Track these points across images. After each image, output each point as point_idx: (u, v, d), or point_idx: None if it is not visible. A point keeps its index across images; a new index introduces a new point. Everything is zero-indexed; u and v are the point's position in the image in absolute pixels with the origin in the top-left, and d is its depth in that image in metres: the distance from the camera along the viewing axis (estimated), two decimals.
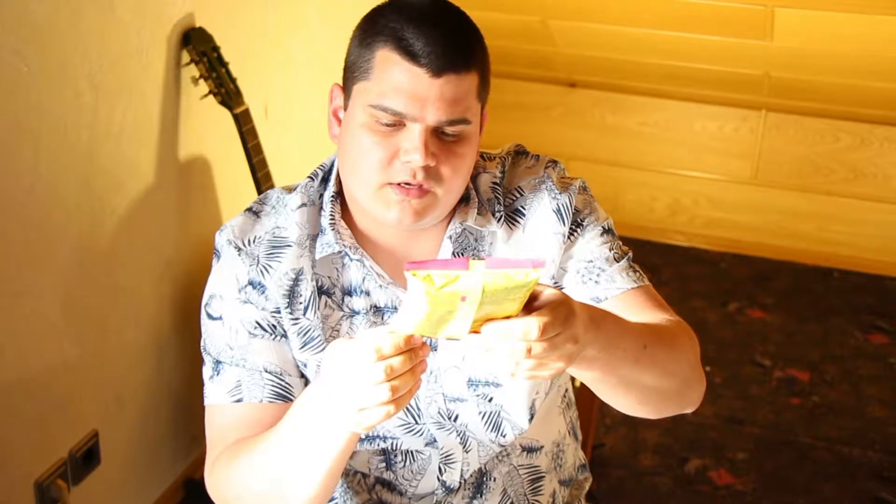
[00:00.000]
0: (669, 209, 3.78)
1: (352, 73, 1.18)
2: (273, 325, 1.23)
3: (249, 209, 1.28)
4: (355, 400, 0.98)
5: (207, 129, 2.24)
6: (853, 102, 3.37)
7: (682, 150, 3.70)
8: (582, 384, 1.28)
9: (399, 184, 1.15)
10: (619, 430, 2.73)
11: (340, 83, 1.22)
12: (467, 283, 0.89)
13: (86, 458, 1.99)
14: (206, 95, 2.15)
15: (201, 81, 2.13)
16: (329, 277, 1.25)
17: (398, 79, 1.12)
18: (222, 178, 2.33)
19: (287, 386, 1.23)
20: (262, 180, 2.21)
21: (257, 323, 1.23)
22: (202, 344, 1.27)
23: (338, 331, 1.25)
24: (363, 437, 1.28)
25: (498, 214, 1.26)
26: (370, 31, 1.15)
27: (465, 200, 1.25)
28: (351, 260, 1.24)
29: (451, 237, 1.24)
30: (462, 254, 1.26)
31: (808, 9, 2.79)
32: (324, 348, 1.23)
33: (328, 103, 1.25)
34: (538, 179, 1.28)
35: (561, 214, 1.26)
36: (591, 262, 1.25)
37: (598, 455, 2.62)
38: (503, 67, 3.59)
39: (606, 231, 1.28)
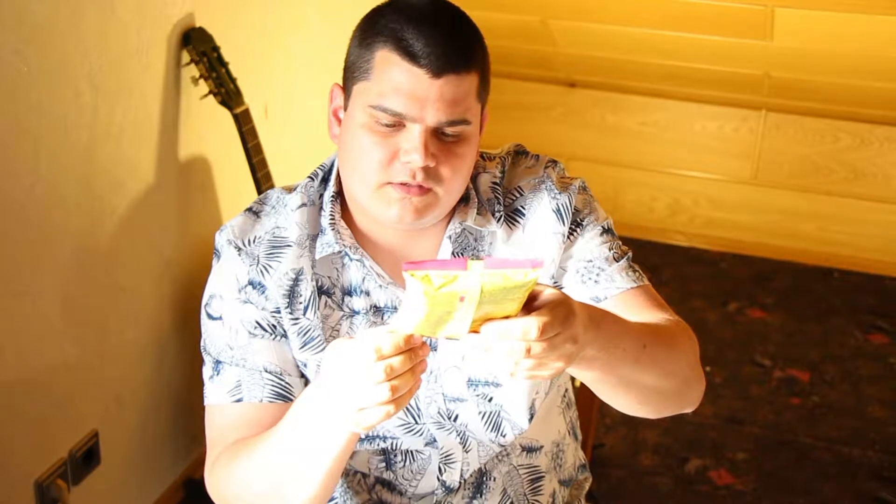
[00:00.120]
0: (669, 209, 3.78)
1: (352, 74, 1.18)
2: (273, 325, 1.23)
3: (249, 209, 1.28)
4: (355, 400, 0.98)
5: (207, 129, 2.24)
6: (853, 102, 3.37)
7: (682, 150, 3.70)
8: (582, 384, 1.28)
9: (399, 183, 1.15)
10: (619, 430, 2.73)
11: (340, 83, 1.22)
12: (466, 283, 0.89)
13: (86, 458, 1.99)
14: (206, 95, 2.15)
15: (201, 81, 2.13)
16: (329, 277, 1.25)
17: (398, 79, 1.12)
18: (222, 178, 2.33)
19: (287, 386, 1.23)
20: (262, 180, 2.21)
21: (257, 323, 1.23)
22: (202, 344, 1.27)
23: (338, 331, 1.25)
24: (363, 437, 1.28)
25: (498, 214, 1.26)
26: (370, 31, 1.15)
27: (464, 200, 1.25)
28: (351, 260, 1.24)
29: (450, 237, 1.25)
30: (462, 254, 1.26)
31: (808, 9, 2.79)
32: (324, 348, 1.23)
33: (328, 103, 1.25)
34: (538, 179, 1.28)
35: (561, 214, 1.26)
36: (591, 261, 1.25)
37: (598, 455, 2.62)
38: (503, 67, 3.59)
39: (606, 231, 1.28)
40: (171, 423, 2.30)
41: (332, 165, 1.28)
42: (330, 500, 1.35)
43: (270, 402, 1.22)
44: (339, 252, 1.24)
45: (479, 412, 1.29)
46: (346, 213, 1.26)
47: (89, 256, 1.93)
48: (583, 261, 1.26)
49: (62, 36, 1.76)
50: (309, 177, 1.28)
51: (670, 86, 3.57)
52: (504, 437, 1.30)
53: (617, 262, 1.25)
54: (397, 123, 1.14)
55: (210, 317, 1.25)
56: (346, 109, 1.21)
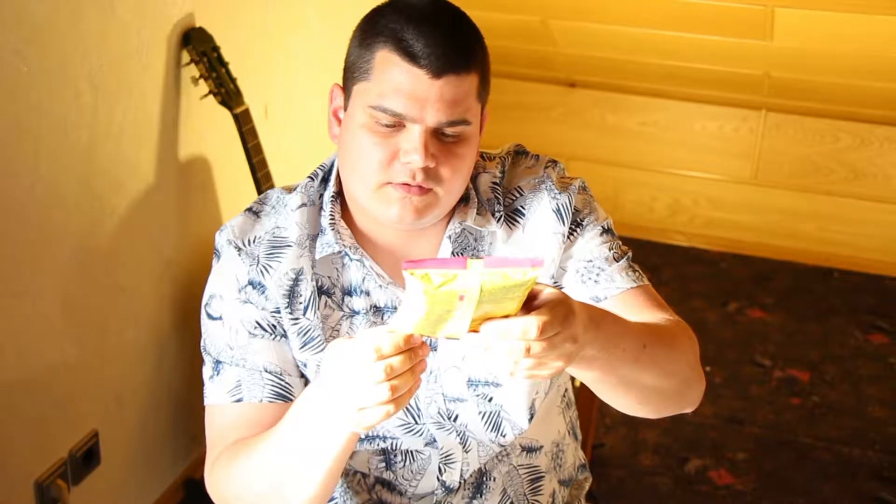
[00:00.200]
0: (669, 209, 3.78)
1: (352, 74, 1.18)
2: (273, 325, 1.24)
3: (249, 209, 1.28)
4: (355, 399, 0.98)
5: (207, 129, 2.24)
6: (853, 102, 3.37)
7: (682, 150, 3.70)
8: (582, 384, 1.28)
9: (399, 183, 1.15)
10: (619, 430, 2.73)
11: (340, 83, 1.22)
12: (465, 281, 0.89)
13: (86, 458, 1.99)
14: (206, 95, 2.15)
15: (201, 81, 2.13)
16: (329, 277, 1.25)
17: (398, 80, 1.12)
18: (222, 178, 2.33)
19: (287, 386, 1.23)
20: (262, 180, 2.21)
21: (257, 323, 1.23)
22: (202, 344, 1.27)
23: (338, 331, 1.25)
24: (363, 436, 1.28)
25: (497, 214, 1.26)
26: (370, 31, 1.15)
27: (464, 200, 1.25)
28: (351, 260, 1.24)
29: (450, 237, 1.25)
30: (461, 254, 1.26)
31: (808, 9, 2.79)
32: (324, 348, 1.23)
33: (328, 103, 1.25)
34: (538, 179, 1.28)
35: (560, 214, 1.26)
36: (591, 261, 1.25)
37: (598, 455, 2.62)
38: (503, 67, 3.59)
39: (606, 231, 1.28)
40: (171, 423, 2.30)
41: (332, 165, 1.28)
42: (330, 500, 1.35)
43: (270, 402, 1.22)
44: (339, 252, 1.24)
45: (479, 412, 1.29)
46: (346, 213, 1.26)
47: (89, 256, 1.93)
48: (583, 261, 1.26)
49: (62, 36, 1.76)
50: (309, 177, 1.28)
51: (670, 86, 3.57)
52: (504, 437, 1.30)
53: (617, 262, 1.25)
54: (397, 124, 1.14)
55: (210, 317, 1.25)
56: (346, 110, 1.21)
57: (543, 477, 1.38)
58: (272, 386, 1.22)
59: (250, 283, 1.23)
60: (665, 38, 3.19)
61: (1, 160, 1.67)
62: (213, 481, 1.22)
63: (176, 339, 2.25)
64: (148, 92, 2.03)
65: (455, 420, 1.29)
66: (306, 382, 1.26)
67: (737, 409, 2.84)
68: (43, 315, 1.83)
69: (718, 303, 3.40)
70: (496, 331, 0.93)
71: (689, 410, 1.23)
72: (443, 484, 1.32)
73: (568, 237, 1.26)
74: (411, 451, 1.30)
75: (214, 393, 1.24)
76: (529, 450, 1.36)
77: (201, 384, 1.27)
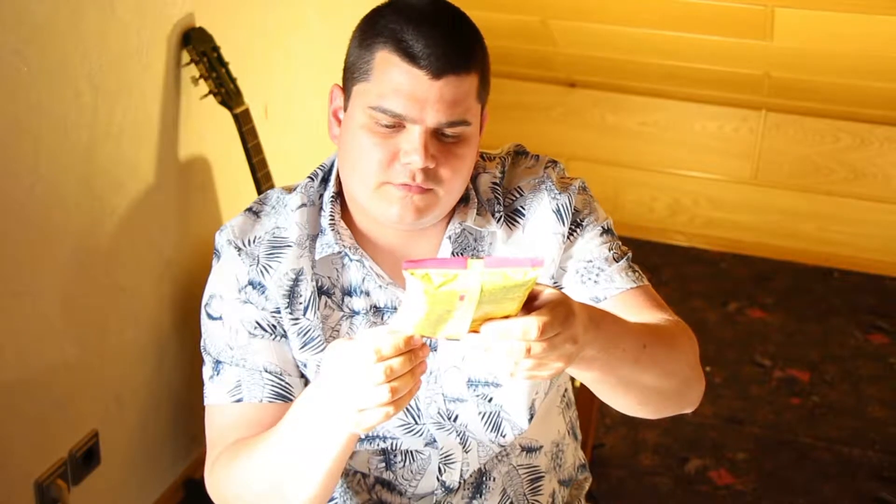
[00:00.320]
0: (669, 209, 3.78)
1: (351, 74, 1.18)
2: (273, 325, 1.24)
3: (249, 209, 1.28)
4: (355, 401, 0.98)
5: (207, 129, 2.24)
6: (853, 102, 3.37)
7: (682, 150, 3.70)
8: (582, 384, 1.28)
9: (399, 183, 1.15)
10: (619, 430, 2.73)
11: (340, 84, 1.22)
12: (465, 282, 0.89)
13: (86, 458, 1.99)
14: (206, 95, 2.15)
15: (201, 81, 2.13)
16: (329, 278, 1.25)
17: (398, 80, 1.12)
18: (222, 178, 2.33)
19: (287, 386, 1.23)
20: (262, 180, 2.21)
21: (257, 323, 1.23)
22: (202, 344, 1.27)
23: (338, 331, 1.25)
24: (363, 437, 1.28)
25: (497, 215, 1.26)
26: (370, 32, 1.15)
27: (464, 201, 1.25)
28: (351, 260, 1.24)
29: (450, 237, 1.24)
30: (461, 254, 1.26)
31: (808, 9, 2.79)
32: (324, 348, 1.23)
33: (328, 104, 1.25)
34: (538, 179, 1.28)
35: (560, 214, 1.26)
36: (591, 261, 1.25)
37: (598, 455, 2.62)
38: (503, 67, 3.59)
39: (606, 231, 1.28)
40: (171, 423, 2.30)
41: (332, 166, 1.28)
42: (330, 500, 1.35)
43: (270, 402, 1.22)
44: (339, 252, 1.24)
45: (479, 412, 1.29)
46: (345, 213, 1.26)
47: (89, 256, 1.93)
48: (582, 261, 1.26)
49: (62, 36, 1.76)
50: (309, 177, 1.28)
51: (670, 86, 3.57)
52: (504, 437, 1.30)
53: (617, 262, 1.25)
54: (397, 124, 1.14)
55: (210, 317, 1.25)
56: (345, 110, 1.21)
57: (543, 477, 1.38)
58: (272, 386, 1.22)
59: (250, 283, 1.23)
60: (665, 38, 3.19)
61: (1, 160, 1.67)
62: (213, 481, 1.22)
63: (176, 339, 2.25)
64: (148, 92, 2.03)
65: (455, 420, 1.29)
66: (306, 382, 1.26)
67: (737, 409, 2.84)
68: (43, 315, 1.83)
69: (718, 303, 3.40)
70: (496, 331, 0.93)
71: (689, 411, 1.23)
72: (443, 484, 1.32)
73: (568, 237, 1.26)
74: (411, 452, 1.30)
75: (214, 393, 1.24)
76: (529, 450, 1.36)
77: (201, 384, 1.27)
